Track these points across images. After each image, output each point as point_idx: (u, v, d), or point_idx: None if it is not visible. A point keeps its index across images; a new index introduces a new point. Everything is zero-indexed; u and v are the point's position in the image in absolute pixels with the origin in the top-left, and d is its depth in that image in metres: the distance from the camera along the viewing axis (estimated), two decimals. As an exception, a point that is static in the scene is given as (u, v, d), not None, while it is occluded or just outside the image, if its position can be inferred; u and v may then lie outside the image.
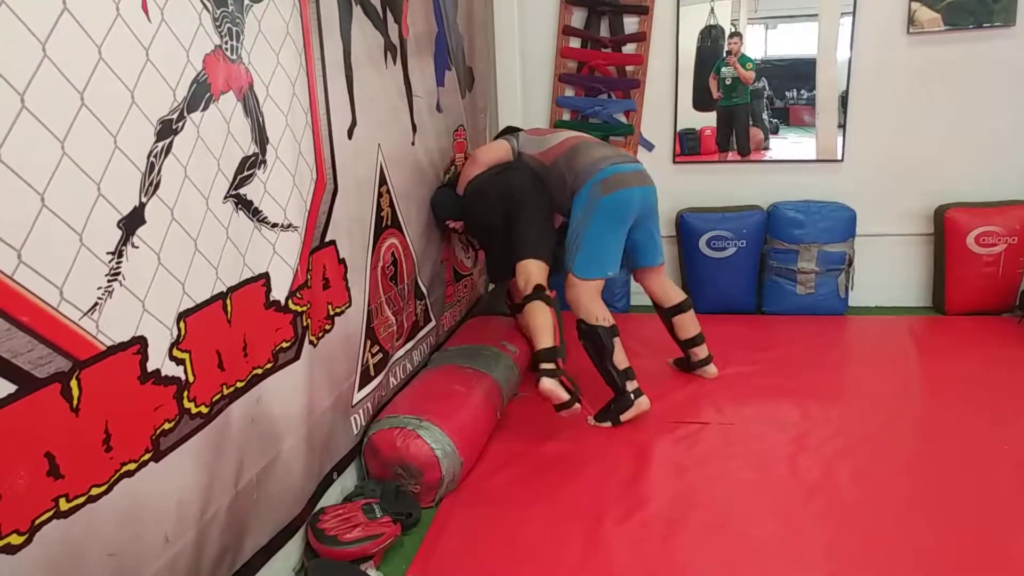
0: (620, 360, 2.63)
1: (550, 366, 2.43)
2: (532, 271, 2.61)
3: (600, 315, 2.63)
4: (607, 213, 2.60)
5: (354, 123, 2.24)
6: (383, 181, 2.50)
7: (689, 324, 2.95)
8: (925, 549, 1.89)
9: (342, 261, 2.17)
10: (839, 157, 3.81)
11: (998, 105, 3.62)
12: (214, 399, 1.54)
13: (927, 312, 3.82)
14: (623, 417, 2.61)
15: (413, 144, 2.74)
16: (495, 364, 2.74)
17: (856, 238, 3.71)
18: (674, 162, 3.94)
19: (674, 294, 2.95)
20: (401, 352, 2.61)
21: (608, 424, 2.61)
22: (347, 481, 2.21)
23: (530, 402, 2.82)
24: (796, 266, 3.70)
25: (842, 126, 3.77)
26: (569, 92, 3.95)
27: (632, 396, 2.62)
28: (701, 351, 2.99)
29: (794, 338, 3.47)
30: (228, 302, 1.59)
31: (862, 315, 3.79)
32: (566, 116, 3.98)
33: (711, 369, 3.01)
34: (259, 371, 1.72)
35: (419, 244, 2.81)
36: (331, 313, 2.09)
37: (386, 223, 2.52)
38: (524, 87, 3.93)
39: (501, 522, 2.08)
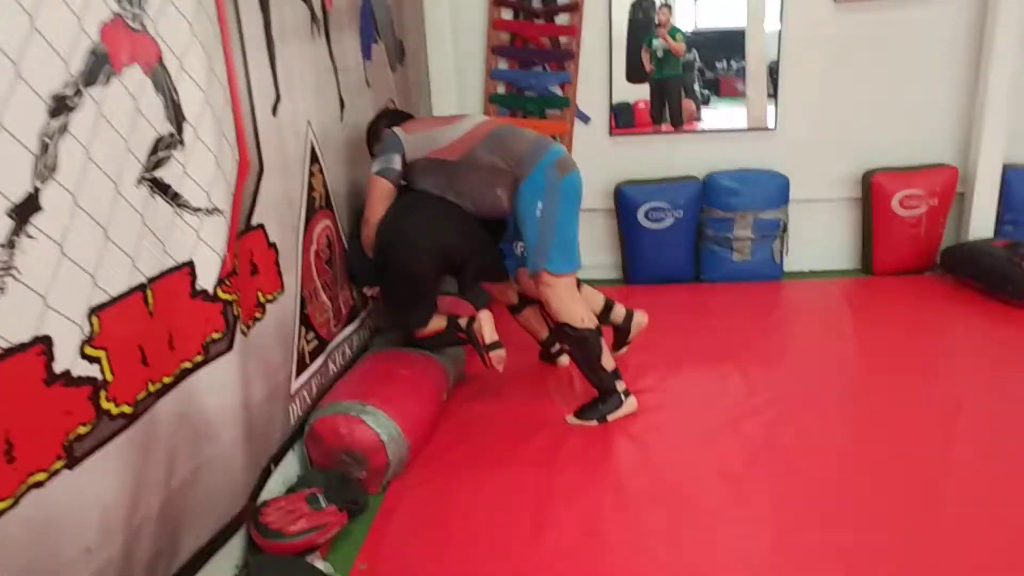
0: (608, 361, 2.45)
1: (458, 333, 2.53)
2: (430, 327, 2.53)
3: (584, 316, 2.43)
4: (569, 197, 2.38)
5: (278, 99, 2.13)
6: (315, 160, 2.39)
7: (595, 294, 2.79)
8: (865, 500, 1.95)
9: (272, 246, 2.07)
10: (771, 126, 3.87)
11: (921, 71, 3.73)
12: (138, 398, 1.44)
13: (857, 274, 3.95)
14: (611, 417, 2.44)
15: (342, 120, 2.63)
16: (440, 345, 2.67)
17: (789, 204, 3.79)
18: (610, 135, 3.93)
19: None
20: (340, 338, 2.53)
21: (593, 423, 2.44)
22: (289, 472, 2.13)
23: (477, 383, 2.79)
24: (732, 234, 3.76)
25: (773, 95, 3.82)
26: (503, 64, 3.88)
27: (622, 396, 2.47)
28: (620, 308, 2.82)
29: (732, 305, 3.53)
30: (149, 293, 1.49)
31: (797, 280, 3.88)
32: (500, 89, 3.91)
33: (641, 317, 2.84)
34: (188, 365, 1.63)
35: (353, 226, 2.71)
36: (262, 301, 2.00)
37: (319, 204, 2.42)
38: (457, 60, 3.84)
39: (451, 504, 2.04)
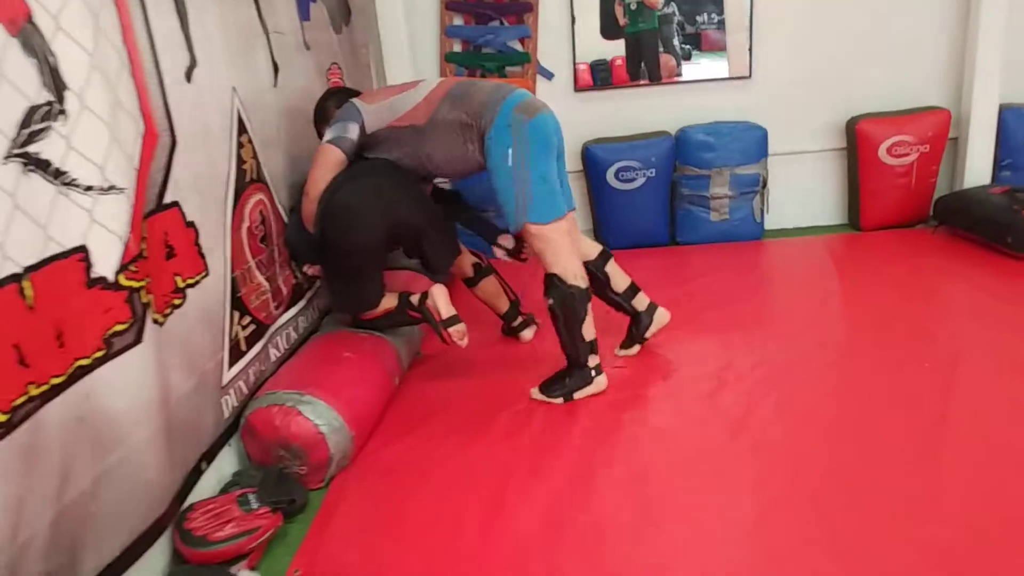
0: (589, 331, 2.26)
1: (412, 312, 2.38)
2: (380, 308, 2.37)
3: (578, 272, 2.23)
4: (539, 139, 2.20)
5: (193, 63, 1.93)
6: (242, 130, 2.20)
7: (620, 272, 2.54)
8: (854, 475, 1.80)
9: (191, 224, 1.89)
10: (747, 74, 3.66)
11: (907, 6, 3.52)
12: (15, 404, 1.28)
13: (843, 230, 3.79)
14: (578, 395, 2.28)
15: (276, 86, 2.44)
16: (393, 324, 2.51)
17: (769, 158, 3.61)
18: (575, 91, 3.74)
19: (592, 244, 2.54)
20: (282, 320, 2.36)
21: (559, 400, 2.28)
22: (226, 470, 1.98)
23: (434, 362, 2.63)
24: (708, 192, 3.58)
25: (750, 48, 3.62)
26: (458, 21, 3.68)
27: (592, 373, 2.29)
28: (643, 298, 2.55)
29: (711, 268, 3.37)
30: (26, 285, 1.32)
31: (779, 238, 3.72)
32: (457, 47, 3.72)
33: (664, 315, 2.57)
34: (86, 362, 1.46)
35: (294, 199, 2.52)
36: (180, 286, 1.82)
37: (250, 177, 2.24)
38: (408, 18, 3.63)
39: (399, 497, 1.89)
